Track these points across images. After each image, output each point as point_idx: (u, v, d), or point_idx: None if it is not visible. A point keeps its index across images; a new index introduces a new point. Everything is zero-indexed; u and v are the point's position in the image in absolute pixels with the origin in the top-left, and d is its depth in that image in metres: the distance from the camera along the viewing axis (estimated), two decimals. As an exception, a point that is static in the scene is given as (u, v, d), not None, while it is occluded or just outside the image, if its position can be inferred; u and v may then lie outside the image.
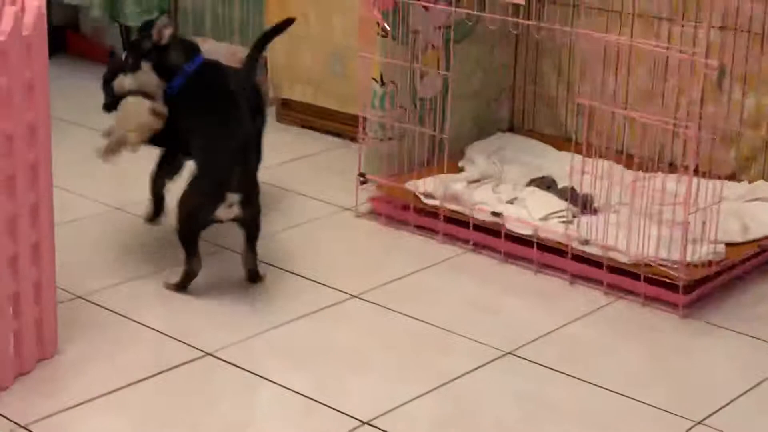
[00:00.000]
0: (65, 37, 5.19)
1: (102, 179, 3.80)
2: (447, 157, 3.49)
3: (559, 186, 3.42)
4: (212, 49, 4.60)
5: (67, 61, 5.08)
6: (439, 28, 3.58)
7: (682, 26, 3.22)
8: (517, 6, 3.37)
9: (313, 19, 4.19)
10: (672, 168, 3.15)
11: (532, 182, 3.48)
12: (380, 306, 3.01)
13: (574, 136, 3.26)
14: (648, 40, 3.13)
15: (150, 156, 3.56)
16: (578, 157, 3.12)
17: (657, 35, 3.46)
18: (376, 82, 3.50)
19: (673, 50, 3.02)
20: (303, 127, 4.34)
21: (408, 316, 2.96)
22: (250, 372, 2.67)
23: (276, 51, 4.31)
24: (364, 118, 3.54)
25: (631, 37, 3.13)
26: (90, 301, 2.97)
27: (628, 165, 3.26)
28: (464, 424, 2.50)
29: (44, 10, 2.48)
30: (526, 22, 3.40)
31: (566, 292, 3.10)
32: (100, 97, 4.57)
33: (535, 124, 3.97)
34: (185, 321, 2.91)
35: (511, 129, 3.98)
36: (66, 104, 4.51)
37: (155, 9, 4.83)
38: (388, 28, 3.44)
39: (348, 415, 2.50)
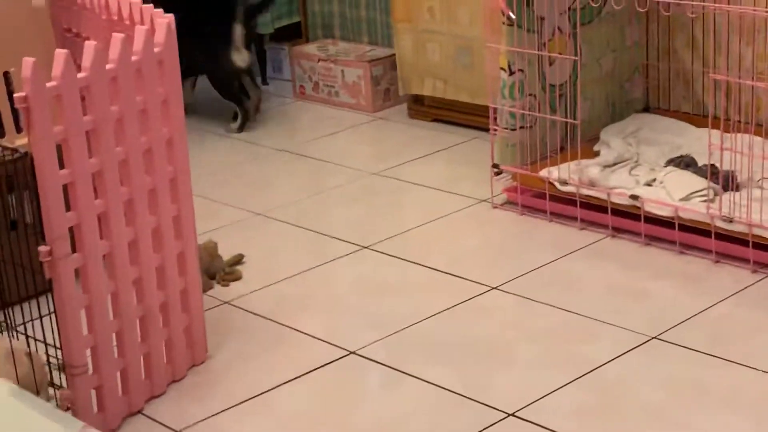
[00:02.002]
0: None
1: (243, 186, 3.89)
2: (581, 142, 3.45)
3: (699, 164, 3.34)
4: (342, 50, 4.66)
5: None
6: (566, 11, 3.54)
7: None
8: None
9: (439, 13, 4.19)
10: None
11: (671, 162, 3.41)
12: (520, 296, 2.99)
13: (712, 112, 3.18)
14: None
15: (282, 162, 3.64)
16: (716, 133, 3.04)
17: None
18: (504, 71, 3.48)
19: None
20: (435, 121, 4.35)
21: (549, 305, 2.94)
22: (394, 369, 2.70)
23: (403, 48, 4.33)
24: (495, 109, 3.53)
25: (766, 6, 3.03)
26: (237, 306, 3.05)
27: (771, 138, 3.17)
28: (610, 412, 2.47)
29: (174, 27, 2.55)
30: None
31: (711, 273, 3.03)
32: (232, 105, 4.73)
33: (671, 103, 3.87)
34: (328, 321, 2.95)
35: (647, 109, 3.90)
36: (205, 116, 4.63)
37: (285, 16, 4.92)
38: (513, 16, 3.42)
39: (493, 408, 2.50)
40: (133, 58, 2.46)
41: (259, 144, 4.29)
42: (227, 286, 3.15)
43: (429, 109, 4.38)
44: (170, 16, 2.56)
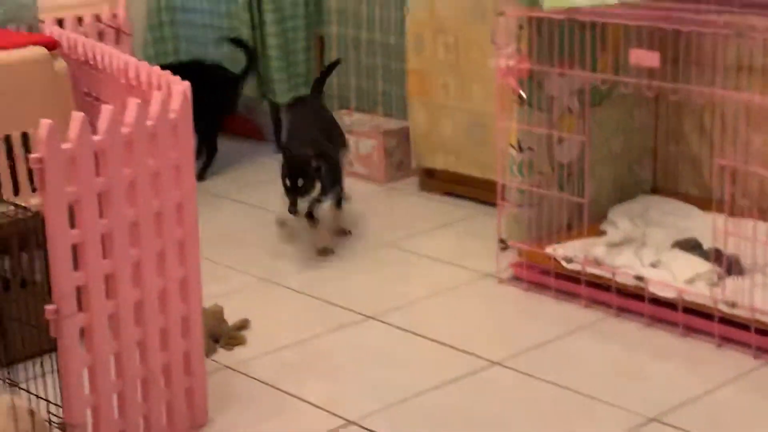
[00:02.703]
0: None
1: (255, 250, 3.92)
2: (588, 220, 3.48)
3: (705, 247, 3.36)
4: (357, 121, 4.73)
5: (222, 139, 5.27)
6: (576, 92, 3.59)
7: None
8: (652, 68, 3.35)
9: (453, 88, 4.26)
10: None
11: (677, 244, 3.43)
12: (522, 373, 3.00)
13: (718, 196, 3.21)
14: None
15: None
16: (722, 218, 3.06)
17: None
18: (514, 148, 3.52)
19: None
20: (446, 194, 4.40)
21: (550, 382, 2.95)
22: (393, 439, 2.71)
23: (417, 121, 4.39)
24: (503, 185, 3.57)
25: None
26: (239, 371, 3.07)
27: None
28: (607, 493, 2.47)
29: (189, 94, 2.61)
30: (661, 84, 3.37)
31: (714, 356, 3.03)
32: (252, 175, 4.79)
33: (678, 185, 3.91)
34: (330, 390, 2.96)
35: (655, 191, 3.94)
36: (219, 180, 4.70)
37: (302, 86, 5.00)
38: (524, 95, 3.47)
39: (489, 483, 2.50)
40: (149, 122, 2.52)
41: (270, 210, 4.33)
42: (231, 350, 3.17)
43: (440, 183, 4.43)
44: (186, 84, 2.62)
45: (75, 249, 2.39)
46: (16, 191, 3.16)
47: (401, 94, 4.66)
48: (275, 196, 4.47)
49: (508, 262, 3.59)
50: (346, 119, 4.79)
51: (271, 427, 2.79)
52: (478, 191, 4.26)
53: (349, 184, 4.62)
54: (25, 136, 3.12)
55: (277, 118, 5.01)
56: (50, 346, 2.49)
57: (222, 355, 3.15)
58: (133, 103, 2.48)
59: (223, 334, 3.20)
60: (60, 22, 3.88)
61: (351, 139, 4.63)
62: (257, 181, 4.67)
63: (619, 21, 3.29)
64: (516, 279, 3.57)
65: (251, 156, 5.02)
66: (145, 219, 2.54)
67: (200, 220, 3.76)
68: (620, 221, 3.66)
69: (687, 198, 3.82)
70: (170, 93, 2.62)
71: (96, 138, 2.38)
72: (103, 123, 2.39)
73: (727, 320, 3.06)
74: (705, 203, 3.72)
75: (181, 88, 2.61)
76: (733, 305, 3.04)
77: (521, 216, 3.57)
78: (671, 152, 3.90)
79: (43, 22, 3.63)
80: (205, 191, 4.53)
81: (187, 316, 2.72)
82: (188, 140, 2.64)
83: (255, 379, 3.02)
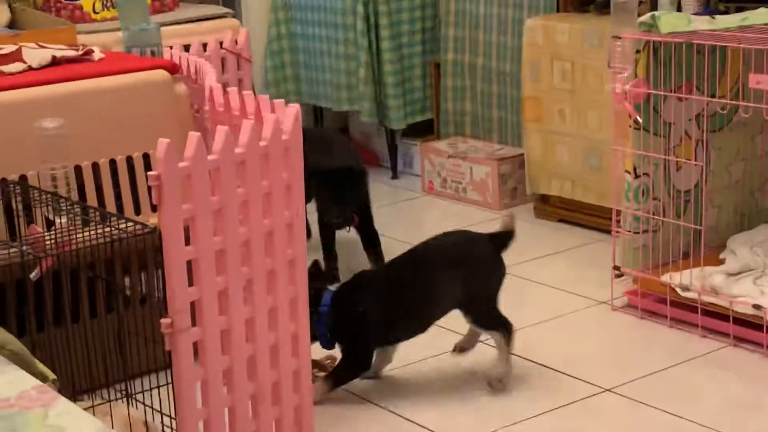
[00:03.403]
0: (336, 142, 5.47)
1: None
2: (707, 249, 3.41)
3: (827, 277, 3.27)
4: (471, 147, 4.73)
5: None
6: (694, 117, 3.54)
7: None
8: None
9: (569, 115, 4.23)
10: None
11: (797, 273, 3.34)
12: (634, 400, 2.95)
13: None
14: None
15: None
16: None
17: None
18: (629, 174, 3.48)
19: None
20: (561, 221, 4.36)
21: (664, 411, 2.89)
22: (500, 464, 2.69)
23: (532, 148, 4.38)
24: (618, 211, 3.53)
25: None
26: (347, 390, 3.09)
27: None
28: None
29: (300, 116, 2.66)
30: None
31: (835, 389, 2.94)
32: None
33: (802, 214, 3.81)
34: (437, 413, 2.96)
35: (777, 219, 3.85)
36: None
37: (418, 113, 5.04)
38: (640, 119, 3.44)
39: None
40: (262, 143, 2.57)
41: (386, 236, 4.36)
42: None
43: (555, 209, 4.40)
44: (296, 107, 2.67)
45: (190, 265, 2.45)
46: (138, 211, 3.26)
47: (516, 120, 4.66)
48: (390, 220, 4.54)
49: (623, 290, 3.54)
50: (461, 146, 4.81)
51: (378, 447, 2.80)
52: (593, 218, 4.22)
53: (463, 210, 4.65)
54: (146, 157, 3.22)
55: (393, 144, 5.06)
56: (166, 362, 2.55)
57: (332, 375, 3.18)
58: (246, 124, 2.54)
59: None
60: (186, 48, 4.00)
61: (466, 165, 4.64)
62: (374, 206, 4.71)
63: (739, 45, 3.23)
64: (630, 306, 3.51)
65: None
66: (256, 237, 2.59)
67: (314, 248, 3.81)
68: (740, 250, 3.57)
69: (810, 227, 3.72)
70: (283, 115, 2.68)
71: (211, 157, 2.44)
72: (218, 143, 2.46)
73: None
74: (829, 232, 3.61)
75: (293, 110, 2.66)
76: None
77: (636, 243, 3.52)
78: (794, 180, 3.81)
79: (171, 48, 3.74)
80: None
81: (296, 333, 2.76)
82: (299, 161, 2.68)
83: (363, 398, 3.04)
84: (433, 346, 3.33)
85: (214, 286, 2.51)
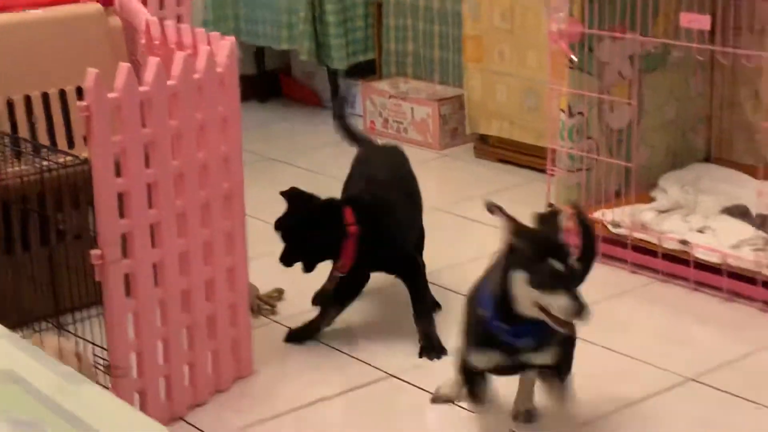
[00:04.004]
0: (279, 81, 5.47)
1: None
2: (640, 188, 3.47)
3: (754, 214, 3.34)
4: (413, 88, 4.76)
5: (281, 104, 5.35)
6: (629, 58, 3.58)
7: None
8: (703, 32, 3.33)
9: (508, 54, 4.26)
10: None
11: (725, 210, 3.41)
12: (564, 333, 3.02)
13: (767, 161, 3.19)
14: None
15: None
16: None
17: None
18: (564, 113, 3.53)
19: None
20: (500, 161, 4.41)
21: (593, 343, 2.95)
22: (427, 391, 2.74)
23: (472, 88, 4.40)
24: (554, 150, 3.58)
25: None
26: (284, 325, 3.13)
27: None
28: (639, 448, 2.48)
29: (236, 49, 2.66)
30: (712, 47, 3.35)
31: (757, 321, 3.02)
32: (308, 140, 4.84)
33: (733, 154, 3.88)
34: (370, 344, 3.01)
35: (708, 159, 3.91)
36: (276, 144, 4.76)
37: (360, 53, 5.04)
38: (574, 59, 3.47)
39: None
40: (195, 76, 2.57)
41: (328, 175, 4.38)
42: (268, 312, 3.21)
43: (494, 149, 4.44)
44: (232, 39, 2.67)
45: (121, 198, 2.46)
46: (71, 146, 3.25)
47: (458, 61, 4.68)
48: (332, 160, 4.55)
49: (557, 227, 3.60)
50: (402, 86, 4.83)
51: (311, 377, 2.84)
52: (531, 158, 4.27)
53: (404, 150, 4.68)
54: (80, 91, 3.20)
55: (335, 84, 5.06)
56: (100, 296, 2.57)
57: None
58: (179, 56, 2.54)
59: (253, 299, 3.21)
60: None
61: (407, 106, 4.66)
62: (313, 147, 4.74)
63: (672, -15, 3.27)
64: (564, 243, 3.57)
65: (309, 121, 5.08)
66: (190, 170, 2.60)
67: (255, 183, 3.85)
68: (670, 188, 3.64)
69: (741, 166, 3.79)
70: (217, 48, 2.68)
71: (142, 88, 2.44)
72: (149, 74, 2.46)
73: (772, 285, 3.05)
74: (759, 172, 3.67)
75: (228, 42, 2.66)
76: (778, 270, 3.03)
77: (570, 181, 3.57)
78: (726, 121, 3.87)
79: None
80: (261, 155, 4.60)
81: (232, 268, 2.79)
82: (235, 94, 2.69)
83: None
84: (371, 283, 3.37)
85: (146, 219, 2.52)
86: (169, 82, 2.51)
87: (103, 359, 2.59)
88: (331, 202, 2.98)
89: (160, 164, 2.52)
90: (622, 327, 3.05)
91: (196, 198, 2.63)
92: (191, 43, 2.80)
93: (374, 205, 2.99)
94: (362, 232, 2.91)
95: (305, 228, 2.89)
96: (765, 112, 3.70)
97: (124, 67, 2.39)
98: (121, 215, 2.46)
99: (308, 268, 2.93)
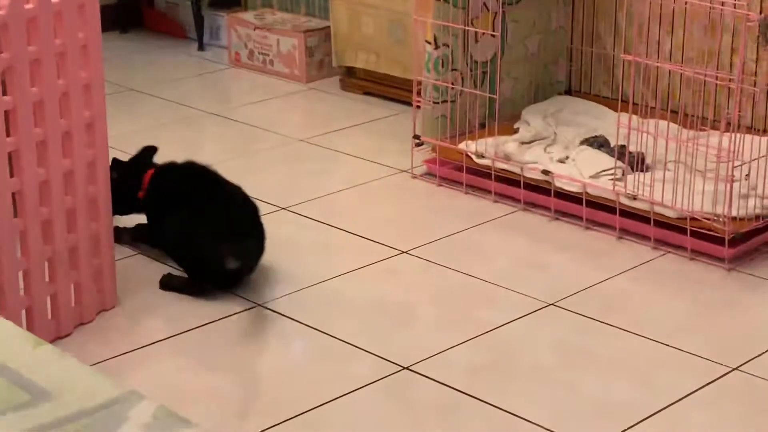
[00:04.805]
0: (141, 12, 5.34)
1: (170, 146, 3.91)
2: (501, 118, 3.54)
3: (612, 145, 3.44)
4: (278, 19, 4.71)
5: (143, 36, 5.24)
6: (493, -10, 3.62)
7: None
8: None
9: (374, -13, 4.25)
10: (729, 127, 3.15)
11: (585, 142, 3.50)
12: (429, 261, 3.07)
13: (625, 93, 3.27)
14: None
15: (211, 126, 3.67)
16: (627, 115, 3.13)
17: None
18: (430, 44, 3.55)
19: (716, 4, 3.01)
20: (366, 94, 4.42)
21: (455, 270, 3.02)
22: (298, 321, 2.76)
23: (338, 20, 4.39)
24: (419, 82, 3.60)
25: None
26: (149, 257, 3.10)
27: (685, 124, 3.28)
28: (500, 370, 2.56)
29: (95, -26, 2.60)
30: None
31: (614, 248, 3.13)
32: (171, 71, 4.76)
33: (592, 87, 3.98)
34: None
35: (569, 91, 4.00)
36: (139, 75, 4.67)
37: (224, -17, 4.96)
38: (440, -9, 3.49)
39: (389, 361, 2.57)
40: (54, 0, 2.50)
41: (191, 107, 4.33)
42: None
43: (361, 82, 4.45)
44: (91, -38, 2.60)
45: (-22, 125, 2.39)
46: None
47: (324, -8, 4.65)
48: (195, 92, 4.50)
49: (423, 159, 3.64)
50: (268, 17, 4.78)
51: (175, 308, 2.83)
52: (397, 91, 4.29)
53: (269, 82, 4.65)
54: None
55: (199, 15, 4.97)
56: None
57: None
58: (36, -21, 2.46)
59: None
60: None
61: (273, 37, 4.62)
62: (175, 78, 4.66)
63: None
64: (429, 175, 3.62)
65: (172, 53, 4.99)
66: (50, 98, 2.53)
67: (119, 115, 3.78)
68: (533, 120, 3.72)
69: (599, 99, 3.90)
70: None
71: (-3, 12, 2.36)
72: (5, -2, 2.38)
73: (628, 213, 3.15)
74: (617, 104, 3.78)
75: (87, -33, 2.59)
76: (633, 198, 3.13)
77: (436, 113, 3.61)
78: (586, 54, 3.96)
79: None
80: (123, 86, 4.51)
81: (94, 198, 2.74)
82: (96, 20, 2.62)
83: (167, 265, 3.05)
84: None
85: (4, 147, 2.45)
86: (26, 6, 2.43)
87: (-38, 291, 2.53)
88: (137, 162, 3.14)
89: (18, 91, 2.44)
90: (484, 255, 3.12)
91: (56, 126, 2.57)
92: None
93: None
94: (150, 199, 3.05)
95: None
96: (623, 45, 3.80)
97: (-23, -11, 2.31)
98: (-22, 143, 2.39)
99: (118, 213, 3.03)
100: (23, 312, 2.59)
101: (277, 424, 2.36)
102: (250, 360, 2.63)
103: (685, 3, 3.14)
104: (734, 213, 2.97)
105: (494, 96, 3.53)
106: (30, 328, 2.61)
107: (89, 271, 2.76)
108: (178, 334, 2.71)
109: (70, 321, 2.72)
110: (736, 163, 2.93)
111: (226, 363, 2.62)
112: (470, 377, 2.52)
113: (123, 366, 2.59)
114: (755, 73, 3.49)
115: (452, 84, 3.59)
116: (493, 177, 3.42)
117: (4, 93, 2.43)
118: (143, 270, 3.03)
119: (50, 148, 2.56)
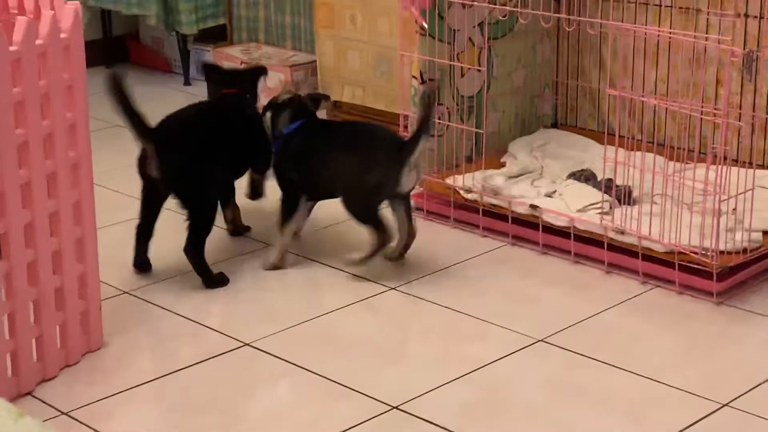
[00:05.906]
0: (127, 47, 5.34)
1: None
2: (488, 153, 3.54)
3: (599, 179, 3.44)
4: (265, 54, 4.72)
5: (129, 70, 5.22)
6: (479, 25, 3.63)
7: (709, 15, 3.23)
8: (549, 1, 3.40)
9: (360, 21, 4.26)
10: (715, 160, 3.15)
11: (572, 175, 3.51)
12: (418, 297, 3.06)
13: (610, 127, 3.27)
14: (683, 31, 3.14)
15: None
16: (614, 148, 3.14)
17: (695, 26, 3.47)
18: (416, 79, 3.55)
19: (700, 39, 3.02)
20: (352, 128, 4.41)
21: (444, 306, 3.01)
22: (287, 361, 2.74)
23: (324, 54, 4.39)
24: (405, 116, 3.60)
25: (670, 28, 3.14)
26: (136, 296, 3.08)
27: (671, 157, 3.29)
28: (491, 408, 2.54)
29: (80, 14, 2.59)
30: (557, 15, 3.43)
31: (602, 282, 3.12)
32: (157, 106, 4.74)
33: (578, 120, 3.99)
34: (225, 314, 3.00)
35: (555, 125, 4.01)
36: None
37: (210, 18, 4.96)
38: (425, 26, 3.50)
39: (378, 401, 2.56)
40: (38, 41, 2.49)
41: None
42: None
43: (347, 116, 4.45)
44: (76, 4, 2.59)
45: (-38, 168, 2.37)
46: None
47: (310, 26, 4.66)
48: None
49: (410, 193, 3.63)
50: (255, 52, 4.78)
51: (163, 348, 2.81)
52: (384, 124, 4.28)
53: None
54: None
55: (185, 50, 4.98)
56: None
57: (121, 281, 3.15)
58: (21, 21, 2.45)
59: None
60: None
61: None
62: (162, 113, 4.63)
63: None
64: (417, 209, 3.61)
65: (158, 87, 4.99)
66: (35, 139, 2.52)
67: (103, 151, 3.77)
68: (519, 154, 3.72)
69: (585, 132, 3.90)
70: (61, 13, 2.60)
71: (-18, 55, 2.35)
72: (-11, 40, 2.36)
73: (616, 247, 3.15)
74: (603, 137, 3.77)
75: (73, 7, 2.58)
76: (621, 233, 3.13)
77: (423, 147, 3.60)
78: (572, 87, 3.97)
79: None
80: (109, 122, 4.49)
81: (81, 239, 2.72)
82: (80, 61, 2.62)
83: (153, 304, 3.03)
84: (224, 253, 3.35)
85: (-11, 190, 2.44)
86: (10, 48, 2.42)
87: (-54, 336, 2.50)
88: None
89: (2, 133, 2.43)
90: (473, 290, 3.11)
91: (41, 167, 2.55)
92: (33, 8, 2.71)
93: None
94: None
95: None
96: (608, 79, 3.81)
97: (-38, 32, 2.30)
98: (-38, 186, 2.37)
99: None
100: (8, 356, 2.57)
101: (266, 467, 2.34)
102: (237, 401, 2.61)
103: (669, 36, 3.15)
104: (722, 247, 2.96)
105: (480, 131, 3.53)
106: (15, 372, 2.58)
107: (75, 313, 2.74)
108: (164, 375, 2.69)
109: (55, 363, 2.70)
110: (723, 196, 2.93)
111: (213, 404, 2.59)
112: (461, 416, 2.50)
113: (109, 408, 2.56)
114: (740, 105, 3.50)
115: (438, 119, 3.59)
116: (481, 212, 3.41)
117: (-11, 135, 2.42)
118: (129, 309, 3.01)
119: (35, 189, 2.54)
